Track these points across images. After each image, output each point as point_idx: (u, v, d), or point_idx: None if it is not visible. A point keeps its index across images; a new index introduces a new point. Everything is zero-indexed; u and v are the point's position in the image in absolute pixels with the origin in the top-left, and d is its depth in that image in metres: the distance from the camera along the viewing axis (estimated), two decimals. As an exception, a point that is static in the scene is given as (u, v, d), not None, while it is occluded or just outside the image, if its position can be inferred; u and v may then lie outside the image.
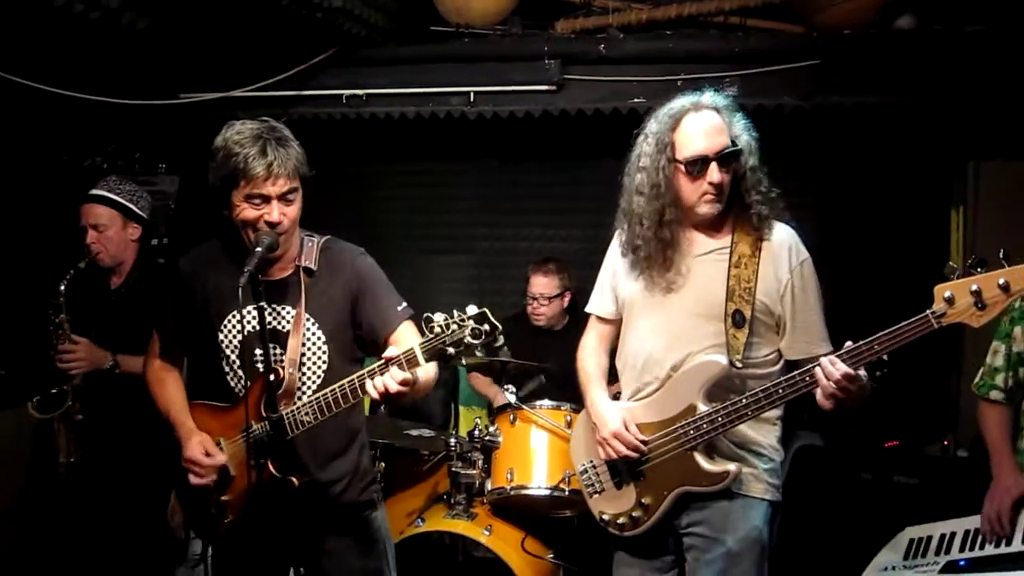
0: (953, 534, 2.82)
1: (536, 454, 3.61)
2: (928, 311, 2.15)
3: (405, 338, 2.40)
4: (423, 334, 2.16)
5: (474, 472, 3.72)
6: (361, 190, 4.98)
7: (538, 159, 4.76)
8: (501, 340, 2.19)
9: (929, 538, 2.88)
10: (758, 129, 2.54)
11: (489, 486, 3.66)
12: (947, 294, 2.12)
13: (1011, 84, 3.63)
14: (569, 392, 3.77)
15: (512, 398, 3.62)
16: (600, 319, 2.83)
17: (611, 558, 2.78)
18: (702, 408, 2.47)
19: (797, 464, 3.80)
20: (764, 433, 2.57)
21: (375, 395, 2.22)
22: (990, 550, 2.67)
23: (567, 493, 3.48)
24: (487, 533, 3.55)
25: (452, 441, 3.78)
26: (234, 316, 2.44)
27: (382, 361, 2.22)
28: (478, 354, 2.21)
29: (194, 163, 4.70)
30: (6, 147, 3.96)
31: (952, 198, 4.35)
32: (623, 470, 2.63)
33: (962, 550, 2.75)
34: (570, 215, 4.79)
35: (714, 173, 2.44)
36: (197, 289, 2.52)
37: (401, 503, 3.98)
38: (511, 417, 3.67)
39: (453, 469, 3.76)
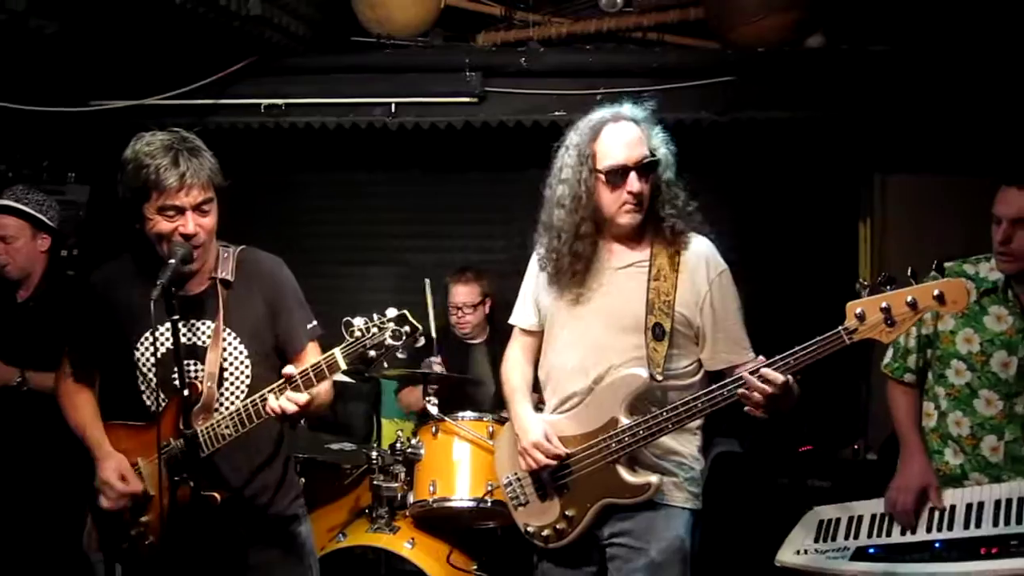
0: (861, 517, 2.89)
1: (459, 466, 3.59)
2: (840, 327, 2.22)
3: (309, 358, 2.38)
4: (339, 342, 2.15)
5: (396, 485, 3.69)
6: (281, 201, 4.93)
7: (461, 170, 4.78)
8: (422, 341, 2.19)
9: (838, 520, 2.93)
10: (676, 143, 2.59)
11: (412, 499, 3.63)
12: (858, 311, 2.19)
13: (914, 101, 3.82)
14: (492, 403, 3.83)
15: (435, 410, 3.61)
16: (523, 331, 2.84)
17: (534, 569, 2.79)
18: (624, 421, 2.49)
19: (716, 470, 3.88)
20: (685, 443, 2.60)
21: (273, 415, 2.21)
22: (897, 537, 2.75)
23: (490, 504, 3.45)
24: (410, 546, 3.53)
25: (374, 454, 3.74)
26: (149, 333, 2.37)
27: (281, 381, 2.21)
28: (399, 356, 2.20)
29: (105, 172, 4.61)
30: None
31: (860, 210, 4.53)
32: (547, 483, 2.64)
33: (870, 536, 2.82)
34: (493, 225, 4.83)
35: (634, 183, 2.47)
36: (110, 305, 2.45)
37: (323, 518, 3.91)
38: (433, 429, 3.65)
39: (375, 483, 3.72)
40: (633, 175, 2.47)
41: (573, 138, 2.58)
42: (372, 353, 2.13)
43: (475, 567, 3.77)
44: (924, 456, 2.80)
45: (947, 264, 2.83)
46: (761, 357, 2.32)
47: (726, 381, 2.38)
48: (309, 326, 2.49)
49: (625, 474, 2.51)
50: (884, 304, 2.17)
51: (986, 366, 2.69)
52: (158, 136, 2.30)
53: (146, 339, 2.39)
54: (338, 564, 3.58)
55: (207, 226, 2.33)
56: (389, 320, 2.14)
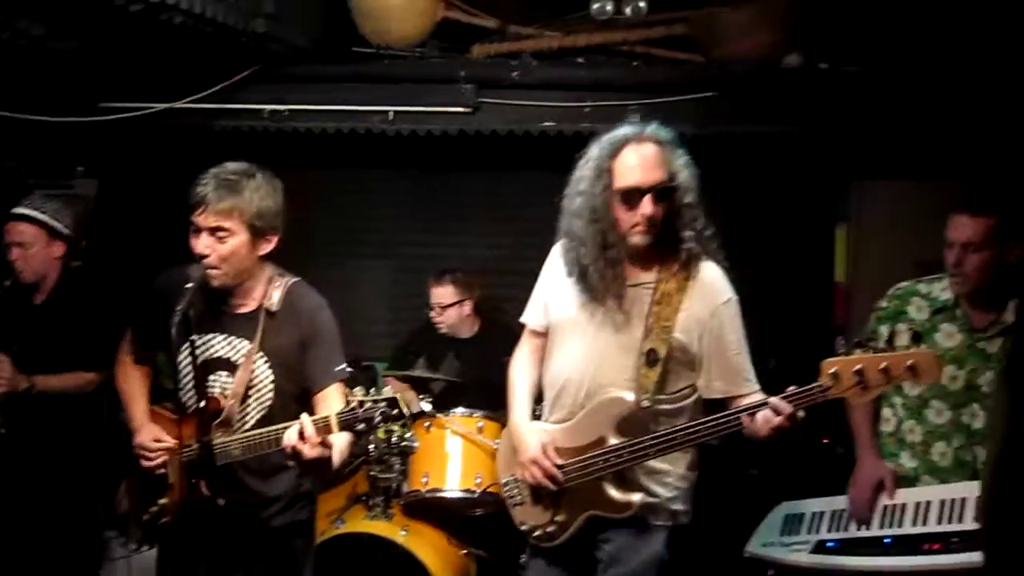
0: (823, 513, 3.01)
1: (450, 458, 3.78)
2: (815, 384, 2.28)
3: (330, 399, 2.56)
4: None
5: (391, 476, 3.88)
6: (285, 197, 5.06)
7: (457, 171, 4.91)
8: (408, 435, 2.37)
9: (802, 515, 3.06)
10: None
11: (406, 488, 3.83)
12: (832, 370, 2.25)
13: (886, 114, 3.99)
14: (480, 398, 3.99)
15: (428, 407, 3.79)
16: (533, 331, 2.82)
17: (519, 548, 2.91)
18: (611, 441, 2.50)
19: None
20: (674, 461, 2.59)
21: (288, 451, 2.35)
22: (854, 532, 2.87)
23: (478, 495, 3.68)
24: (404, 533, 3.71)
25: (371, 446, 3.91)
26: (180, 351, 2.53)
27: (297, 422, 2.36)
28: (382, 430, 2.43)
29: (114, 167, 4.81)
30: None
31: (837, 215, 4.69)
32: (542, 488, 2.66)
33: (830, 530, 2.94)
34: (486, 224, 4.98)
35: (647, 206, 2.42)
36: (167, 308, 2.57)
37: (323, 504, 4.01)
38: (426, 424, 3.83)
39: (371, 473, 3.92)
40: (648, 198, 2.43)
41: (594, 151, 2.53)
42: (361, 426, 2.33)
43: (464, 551, 3.96)
44: (877, 455, 2.97)
45: (902, 284, 3.02)
46: (772, 398, 2.33)
47: (716, 416, 2.41)
48: (336, 368, 2.63)
49: (611, 491, 2.51)
50: (858, 367, 2.22)
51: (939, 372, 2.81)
52: (230, 165, 2.53)
53: (183, 350, 2.53)
54: (336, 548, 3.75)
55: (219, 252, 2.48)
56: (382, 400, 2.32)
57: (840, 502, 3.03)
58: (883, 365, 2.20)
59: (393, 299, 5.11)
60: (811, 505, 3.11)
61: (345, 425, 2.34)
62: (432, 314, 4.36)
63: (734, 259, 4.47)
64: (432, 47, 4.27)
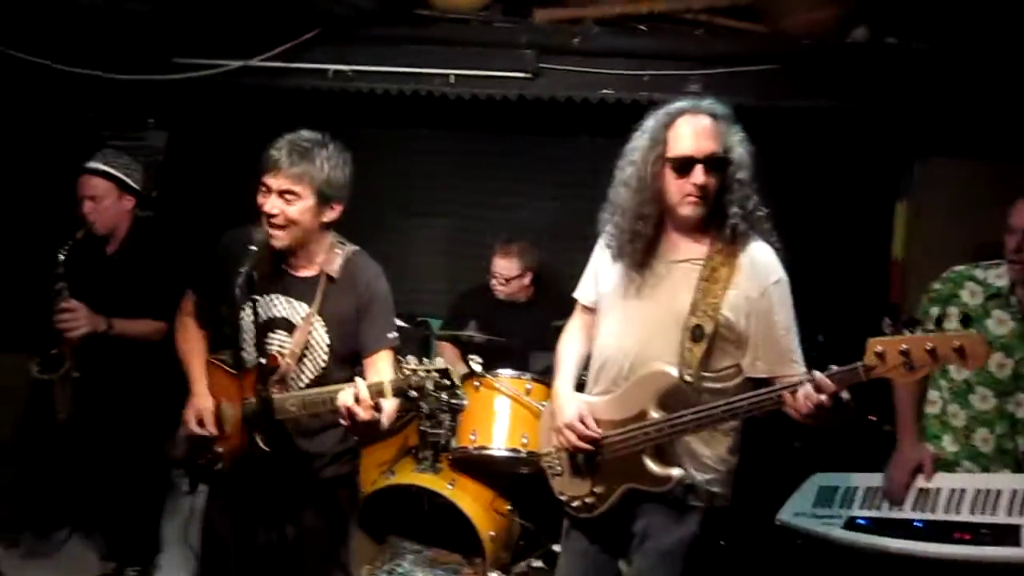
0: (856, 488, 3.06)
1: (497, 418, 3.90)
2: (858, 363, 2.23)
3: (380, 364, 2.68)
4: (396, 364, 2.46)
5: (441, 432, 4.01)
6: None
7: (516, 132, 4.91)
8: (460, 399, 2.44)
9: (836, 488, 3.10)
10: None
11: (454, 444, 3.96)
12: (878, 349, 2.20)
13: (952, 93, 3.92)
14: (528, 363, 4.10)
15: (478, 368, 3.88)
16: (584, 307, 2.85)
17: (565, 534, 2.87)
18: (653, 415, 2.49)
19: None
20: (713, 444, 2.59)
21: (343, 411, 2.46)
22: (886, 512, 2.91)
23: (524, 454, 3.79)
24: (451, 487, 3.85)
25: (423, 402, 4.05)
26: (243, 308, 2.66)
27: (351, 384, 2.46)
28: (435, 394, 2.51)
29: (183, 120, 4.94)
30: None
31: (898, 191, 4.63)
32: (580, 460, 2.68)
33: (862, 507, 2.98)
34: (543, 189, 4.98)
35: (699, 175, 2.42)
36: (229, 267, 2.69)
37: (374, 453, 4.24)
38: (476, 383, 3.95)
39: (422, 428, 4.06)
40: (700, 167, 2.42)
41: (649, 122, 2.53)
42: (413, 393, 2.42)
43: (509, 508, 4.10)
44: (916, 434, 3.01)
45: (958, 267, 3.02)
46: (816, 372, 2.27)
47: (755, 392, 2.40)
48: (389, 335, 2.74)
49: (651, 464, 2.51)
50: (904, 347, 2.17)
51: (984, 365, 2.77)
52: (302, 134, 2.62)
53: (245, 307, 2.66)
54: (386, 498, 3.94)
55: (288, 214, 2.59)
56: (436, 370, 2.41)
57: (875, 479, 3.05)
58: (929, 346, 2.15)
59: (450, 258, 5.18)
60: (846, 479, 3.14)
61: (399, 391, 2.44)
62: (493, 282, 4.42)
63: (791, 233, 4.47)
64: (495, 11, 4.27)
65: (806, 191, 4.59)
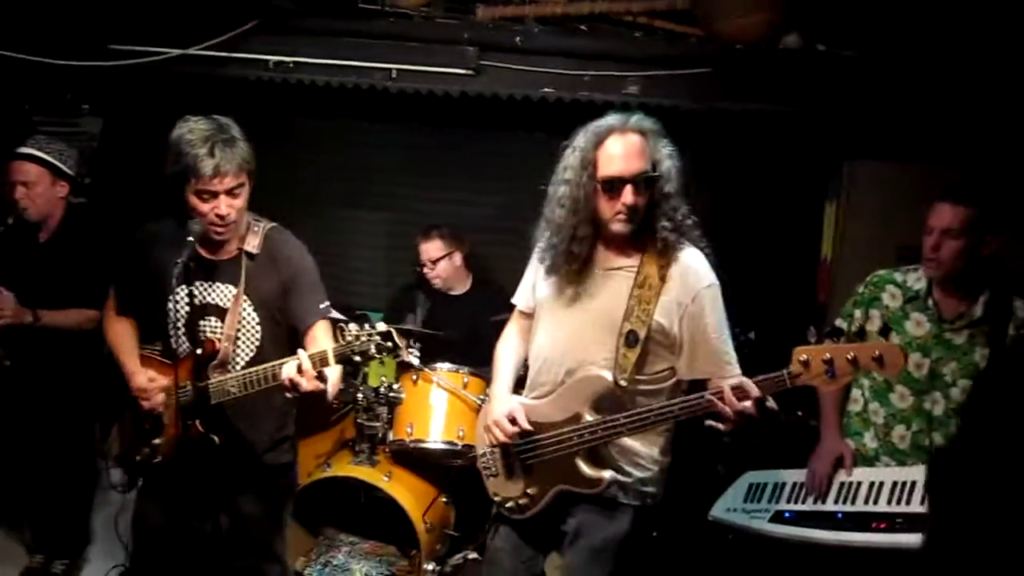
0: (784, 484, 3.16)
1: (434, 411, 3.94)
2: (784, 371, 2.37)
3: (319, 335, 2.70)
4: (337, 332, 2.47)
5: (378, 424, 4.03)
6: (284, 147, 5.03)
7: (456, 127, 4.91)
8: (403, 356, 2.46)
9: (765, 484, 3.21)
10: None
11: (391, 437, 3.98)
12: (803, 358, 2.35)
13: (880, 98, 4.03)
14: (466, 355, 4.08)
15: (415, 360, 3.93)
16: (521, 312, 2.95)
17: (489, 528, 2.96)
18: (587, 418, 2.59)
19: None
20: (647, 444, 2.68)
21: (286, 383, 2.49)
22: (810, 505, 3.02)
23: (459, 447, 3.83)
24: (387, 479, 3.88)
25: (360, 395, 4.05)
26: (178, 292, 2.66)
27: (294, 357, 2.49)
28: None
29: (119, 105, 4.86)
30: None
31: (827, 192, 4.77)
32: (514, 461, 2.76)
33: (789, 501, 3.09)
34: (484, 183, 5.00)
35: (628, 195, 2.51)
36: (148, 260, 2.74)
37: (311, 446, 4.23)
38: (413, 377, 3.97)
39: (359, 420, 4.07)
40: (629, 188, 2.51)
41: (579, 141, 2.60)
42: (357, 358, 2.45)
43: (444, 500, 4.16)
44: (838, 430, 3.13)
45: (880, 271, 3.13)
46: (743, 379, 2.41)
47: (686, 398, 2.50)
48: (321, 306, 2.78)
49: (583, 466, 2.60)
50: (827, 356, 2.33)
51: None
52: (200, 124, 2.56)
53: (176, 293, 2.65)
54: (322, 490, 3.94)
55: (237, 206, 2.62)
56: (378, 333, 2.43)
57: (803, 475, 3.15)
58: (851, 355, 2.31)
59: (389, 251, 5.18)
60: (775, 476, 3.25)
61: (342, 358, 2.47)
62: (424, 270, 4.44)
63: (724, 232, 4.58)
64: (437, 7, 4.30)
65: (738, 191, 4.70)
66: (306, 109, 4.90)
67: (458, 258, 4.46)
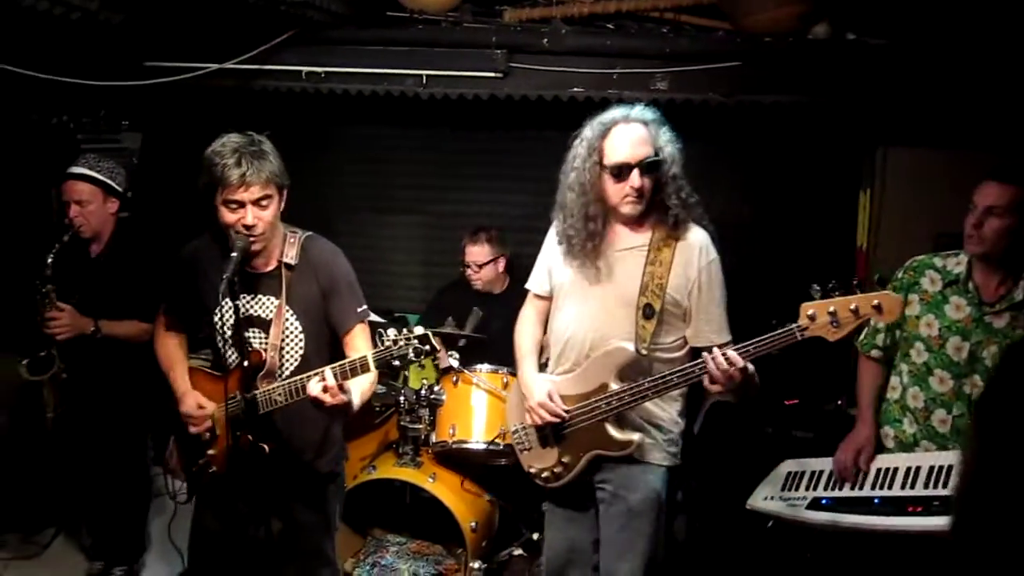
0: (822, 472, 3.20)
1: (475, 412, 3.98)
2: (793, 325, 2.57)
3: (357, 340, 2.79)
4: (375, 337, 2.53)
5: (420, 426, 4.08)
6: (320, 156, 5.18)
7: (487, 129, 4.99)
8: (441, 360, 2.52)
9: (802, 473, 3.25)
10: (687, 121, 2.86)
11: (434, 439, 4.03)
12: (810, 312, 2.56)
13: (911, 85, 4.02)
14: (508, 354, 4.17)
15: (455, 363, 3.98)
16: (536, 296, 3.15)
17: (537, 498, 3.21)
18: (613, 387, 2.83)
19: (710, 418, 4.25)
20: (667, 408, 2.95)
21: (312, 399, 2.57)
22: (847, 491, 3.06)
23: (501, 447, 3.86)
24: (432, 480, 3.94)
25: (402, 398, 4.10)
26: (223, 305, 2.74)
27: (319, 371, 2.57)
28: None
29: (157, 120, 4.97)
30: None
31: (861, 180, 4.76)
32: (548, 433, 3.00)
33: (827, 488, 3.13)
34: (514, 182, 5.05)
35: (635, 179, 2.75)
36: (194, 276, 2.84)
37: (356, 449, 4.28)
38: (454, 379, 4.02)
39: (402, 423, 4.13)
40: (635, 172, 2.75)
41: (587, 132, 2.85)
42: (396, 363, 2.50)
43: (487, 496, 4.20)
44: (870, 425, 3.15)
45: (919, 256, 3.13)
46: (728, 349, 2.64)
47: (697, 360, 2.71)
48: (359, 309, 2.86)
49: (613, 431, 2.86)
50: (831, 308, 2.53)
51: (942, 349, 2.96)
52: (232, 138, 2.66)
53: (222, 307, 2.74)
54: (368, 492, 4.01)
55: (265, 218, 2.68)
56: (415, 337, 2.49)
57: None
58: (853, 306, 2.51)
59: (425, 255, 5.27)
60: (812, 464, 3.28)
61: (381, 363, 2.53)
62: (468, 272, 4.51)
63: (759, 225, 4.60)
64: (464, 12, 4.33)
65: (772, 184, 4.71)
66: (339, 118, 4.98)
67: (502, 264, 4.55)
